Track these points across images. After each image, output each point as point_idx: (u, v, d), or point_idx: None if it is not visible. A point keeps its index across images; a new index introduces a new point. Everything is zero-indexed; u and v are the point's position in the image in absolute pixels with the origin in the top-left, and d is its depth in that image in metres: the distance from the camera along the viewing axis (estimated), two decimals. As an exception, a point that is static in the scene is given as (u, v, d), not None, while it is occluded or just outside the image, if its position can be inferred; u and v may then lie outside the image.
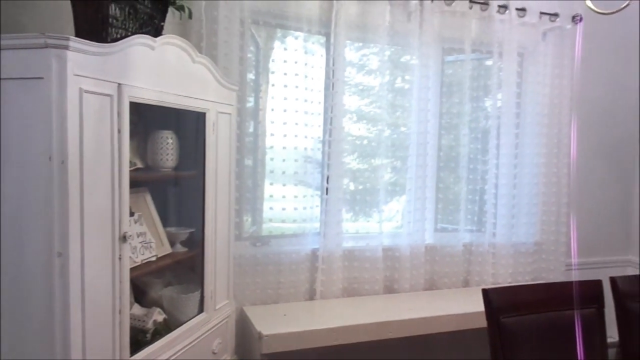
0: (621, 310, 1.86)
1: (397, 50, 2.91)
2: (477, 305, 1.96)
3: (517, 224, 3.11)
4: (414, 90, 2.85)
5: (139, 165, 1.93)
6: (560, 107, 3.10)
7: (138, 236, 1.84)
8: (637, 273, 2.03)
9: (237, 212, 2.48)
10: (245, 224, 2.61)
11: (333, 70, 2.64)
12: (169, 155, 2.01)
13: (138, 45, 1.60)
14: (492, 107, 3.03)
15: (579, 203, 3.31)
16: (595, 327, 1.77)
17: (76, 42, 1.34)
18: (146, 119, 1.93)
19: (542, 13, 2.99)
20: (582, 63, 3.23)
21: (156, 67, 1.70)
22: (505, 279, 3.03)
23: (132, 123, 1.61)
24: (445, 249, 2.98)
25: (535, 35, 3.05)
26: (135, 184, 1.80)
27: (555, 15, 3.02)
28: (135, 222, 1.85)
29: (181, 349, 1.89)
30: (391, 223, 3.03)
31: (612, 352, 1.89)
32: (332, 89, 2.64)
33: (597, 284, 1.81)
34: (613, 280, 1.89)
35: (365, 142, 2.92)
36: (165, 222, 2.09)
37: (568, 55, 3.09)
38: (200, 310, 2.07)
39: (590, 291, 1.79)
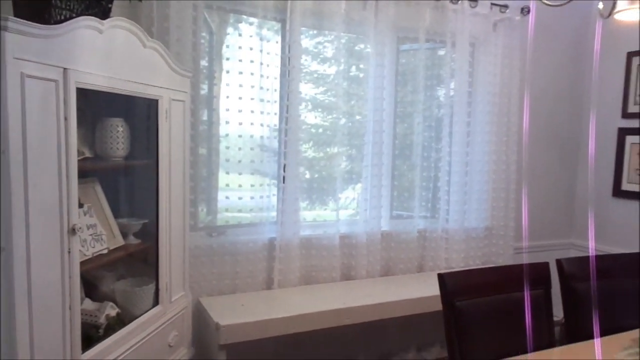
0: (566, 290, 1.96)
1: (352, 38, 2.91)
2: (431, 289, 2.02)
3: (468, 210, 3.21)
4: (369, 79, 2.87)
5: (88, 154, 1.85)
6: (510, 96, 3.21)
7: (88, 228, 1.77)
8: (580, 255, 2.14)
9: (192, 201, 2.43)
10: (200, 214, 2.56)
11: (289, 58, 2.61)
12: (120, 144, 1.93)
13: (84, 28, 1.52)
14: (445, 96, 3.09)
15: (526, 188, 3.44)
16: (542, 307, 1.85)
17: (16, 23, 1.26)
18: (95, 106, 1.85)
19: (492, 4, 3.07)
20: (530, 53, 3.34)
21: (104, 51, 1.63)
22: (457, 264, 3.12)
23: (80, 110, 1.53)
24: (400, 236, 3.03)
25: (486, 25, 3.13)
26: (84, 174, 1.73)
27: (505, 6, 3.10)
28: (85, 214, 1.78)
29: (136, 343, 1.84)
30: (347, 211, 3.05)
31: (557, 330, 1.98)
32: (288, 77, 2.62)
33: (545, 266, 1.89)
34: (559, 262, 1.98)
35: (321, 130, 2.92)
36: (116, 213, 2.01)
37: (517, 45, 3.19)
38: (155, 303, 2.02)
39: (538, 273, 1.87)
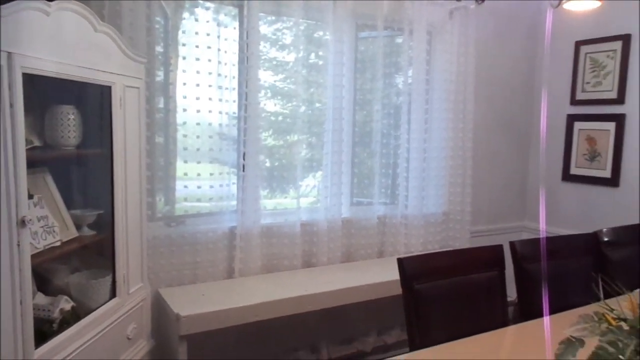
0: (519, 271, 2.04)
1: (311, 25, 2.89)
2: (391, 274, 2.06)
3: (427, 195, 3.27)
4: (328, 66, 2.87)
5: (37, 143, 1.77)
6: (465, 84, 3.28)
7: (39, 220, 1.70)
8: (532, 237, 2.22)
9: (149, 191, 2.37)
10: (158, 204, 2.51)
11: (247, 44, 2.58)
12: (71, 132, 1.86)
13: (30, 10, 1.45)
14: (404, 84, 3.13)
15: (480, 174, 3.55)
16: (497, 288, 1.92)
17: (-46, 4, 1.19)
18: (43, 93, 1.77)
19: (448, -8, 3.12)
20: (484, 41, 3.42)
21: (52, 35, 1.56)
22: (416, 248, 3.19)
23: (27, 97, 1.46)
24: (360, 222, 3.07)
25: (443, 14, 3.17)
26: (33, 164, 1.66)
27: (461, -5, 3.16)
28: (35, 205, 1.71)
29: (93, 337, 1.80)
30: (308, 199, 3.06)
31: (511, 310, 2.06)
32: (247, 64, 2.58)
33: (499, 248, 1.96)
34: (512, 244, 2.06)
35: (280, 118, 2.90)
36: (69, 205, 1.95)
37: (472, 34, 3.25)
38: (113, 295, 1.97)
39: (492, 255, 1.94)
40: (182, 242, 2.51)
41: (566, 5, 1.91)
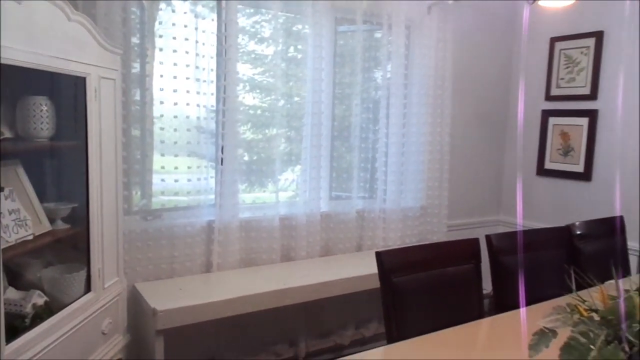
0: (495, 264, 2.07)
1: (290, 18, 2.88)
2: (369, 267, 2.07)
3: (405, 190, 3.30)
4: (307, 60, 2.86)
5: (8, 134, 1.73)
6: (443, 79, 3.30)
7: (10, 213, 1.66)
8: (508, 230, 2.27)
9: (126, 185, 2.34)
10: (134, 198, 2.47)
11: (225, 36, 2.55)
12: (44, 124, 1.82)
13: (0, -2, 1.40)
14: (382, 79, 3.14)
15: (457, 169, 3.59)
16: (473, 280, 1.95)
17: None
18: (15, 83, 1.73)
19: (427, -12, 3.14)
20: (462, 37, 3.46)
21: (24, 24, 1.52)
22: (395, 242, 3.21)
23: (-3, 87, 1.43)
24: (339, 216, 3.07)
25: (421, 8, 3.19)
26: (4, 156, 1.62)
27: (439, -10, 3.18)
28: (6, 198, 1.67)
29: (66, 332, 1.77)
30: (287, 193, 3.05)
31: (487, 302, 2.09)
32: (225, 56, 2.56)
33: (475, 241, 1.99)
34: (488, 237, 2.09)
35: (259, 112, 2.88)
36: (42, 198, 1.90)
37: (450, 29, 3.28)
38: (87, 289, 1.94)
39: (469, 249, 1.97)
40: (159, 236, 2.49)
41: (541, 3, 1.94)
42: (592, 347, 1.08)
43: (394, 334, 1.71)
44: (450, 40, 3.29)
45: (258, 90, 2.89)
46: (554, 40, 3.48)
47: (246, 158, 2.83)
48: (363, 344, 3.05)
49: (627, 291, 1.17)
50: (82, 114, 1.86)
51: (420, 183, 3.32)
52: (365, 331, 3.12)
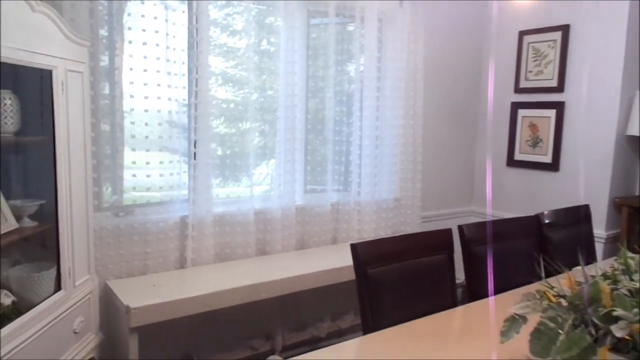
0: (467, 254, 2.11)
1: (262, 10, 2.85)
2: (345, 260, 2.08)
3: (379, 182, 3.32)
4: (280, 53, 2.84)
5: (-30, 130, 1.67)
6: (415, 72, 3.33)
7: (-26, 212, 1.61)
8: (479, 221, 2.31)
9: (95, 180, 2.29)
10: (105, 194, 2.42)
11: (197, 29, 2.51)
12: (8, 119, 1.76)
13: (-42, -13, 1.35)
14: (355, 72, 3.15)
15: (430, 161, 3.64)
16: (446, 270, 1.98)
17: None
18: (-25, 76, 1.66)
19: (398, -20, 3.15)
20: (433, 31, 3.49)
21: (-16, 14, 1.46)
22: (369, 234, 3.24)
23: (-43, 80, 1.37)
24: (314, 209, 3.08)
25: (393, 2, 3.20)
26: (-34, 152, 1.56)
27: (411, -16, 3.20)
28: (-31, 196, 1.61)
29: (36, 332, 1.73)
30: (261, 187, 3.04)
31: (460, 292, 2.14)
32: (197, 49, 2.52)
33: (448, 232, 2.02)
34: (460, 228, 2.12)
35: (232, 105, 2.85)
36: (8, 195, 1.84)
37: (422, 23, 3.31)
38: (57, 288, 1.89)
39: (442, 239, 2.00)
40: (131, 233, 2.44)
41: (511, -4, 1.97)
42: (560, 331, 1.12)
43: (369, 325, 1.72)
44: (422, 34, 3.32)
45: (231, 84, 2.86)
46: (522, 34, 3.55)
47: (219, 152, 2.81)
48: (340, 335, 3.07)
49: (592, 277, 1.21)
50: (48, 108, 1.81)
51: (393, 175, 3.34)
52: (342, 323, 3.14)
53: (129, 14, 2.38)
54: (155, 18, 2.41)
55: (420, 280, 1.90)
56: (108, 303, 2.34)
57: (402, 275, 1.85)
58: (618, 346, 1.06)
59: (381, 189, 3.34)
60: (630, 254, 1.37)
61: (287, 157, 2.89)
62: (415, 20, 3.28)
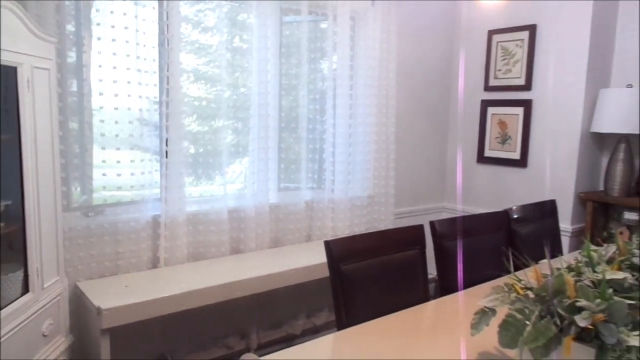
0: (439, 249, 2.15)
1: (234, 7, 2.84)
2: (319, 257, 2.10)
3: (352, 179, 3.35)
4: (253, 50, 2.83)
5: None
6: (388, 70, 3.36)
7: (-64, 213, 1.56)
8: (451, 216, 2.35)
9: (64, 180, 2.24)
10: (74, 193, 2.37)
11: (167, 25, 2.48)
12: (-29, 117, 1.71)
13: None
14: (329, 70, 3.16)
15: (403, 158, 3.68)
16: (418, 265, 2.01)
17: None
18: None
19: (370, -21, 3.17)
20: (405, 29, 3.53)
21: (-55, 9, 1.41)
22: (343, 231, 3.26)
23: None
24: (288, 207, 3.08)
25: (366, 1, 3.22)
26: None
27: (382, -18, 3.22)
28: None
29: (3, 336, 1.68)
30: (235, 185, 3.02)
31: (433, 287, 2.17)
32: (167, 46, 2.49)
33: (420, 228, 2.05)
34: (432, 224, 2.16)
35: (204, 103, 2.83)
36: (-29, 196, 1.79)
37: (394, 21, 3.34)
38: (25, 290, 1.85)
39: (414, 235, 2.03)
40: (101, 233, 2.40)
41: (479, -3, 2.01)
42: (527, 322, 1.15)
43: (343, 321, 1.74)
44: (394, 32, 3.35)
45: (203, 81, 2.84)
46: (491, 33, 3.62)
47: (192, 150, 2.78)
48: (315, 332, 3.09)
49: (558, 269, 1.25)
50: (14, 106, 1.76)
51: (367, 172, 3.37)
52: (317, 320, 3.16)
53: (97, 10, 2.34)
54: (124, 14, 2.37)
55: (393, 276, 1.92)
56: (78, 305, 2.29)
57: (375, 271, 1.88)
58: (582, 335, 1.10)
59: (355, 186, 3.36)
60: (593, 247, 1.42)
61: (260, 155, 2.89)
62: (387, 19, 3.31)
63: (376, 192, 3.44)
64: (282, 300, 2.94)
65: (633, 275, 1.32)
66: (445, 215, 3.89)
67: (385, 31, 3.31)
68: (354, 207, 3.36)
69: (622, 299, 1.11)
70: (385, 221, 3.49)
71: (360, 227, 3.39)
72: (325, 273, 1.80)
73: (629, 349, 1.05)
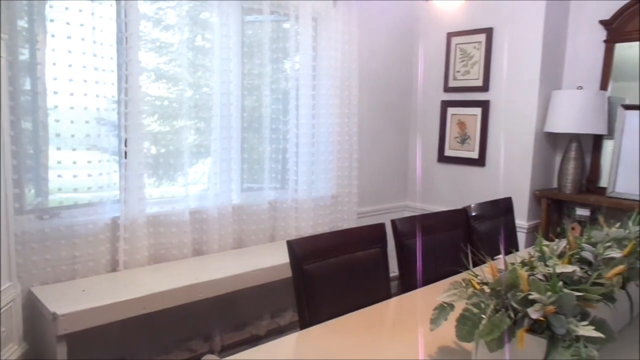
0: (400, 247, 2.18)
1: (195, 6, 2.80)
2: (282, 257, 2.10)
3: (316, 179, 3.36)
4: (215, 50, 2.80)
5: None
6: (350, 70, 3.40)
7: None
8: (413, 215, 2.40)
9: (17, 182, 2.16)
10: (27, 196, 2.29)
11: (126, 23, 2.43)
12: None
13: None
14: (291, 70, 3.16)
15: (366, 158, 3.72)
16: (380, 263, 2.04)
17: None
18: None
19: (332, -20, 3.20)
20: (367, 30, 3.57)
21: None
22: (307, 231, 3.27)
23: None
24: (251, 208, 3.07)
25: (327, 1, 3.25)
26: None
27: (344, -16, 3.25)
28: None
29: (-48, 346, 1.61)
30: (197, 186, 2.98)
31: (395, 284, 2.20)
32: (126, 44, 2.44)
33: (381, 226, 2.08)
34: (393, 222, 2.19)
35: (166, 102, 2.78)
36: None
37: (355, 22, 3.37)
38: (-25, 297, 1.77)
39: (376, 233, 2.05)
40: (57, 236, 2.33)
41: (435, 1, 2.06)
42: (483, 316, 1.19)
43: (306, 320, 1.74)
44: (356, 33, 3.39)
45: (164, 80, 2.79)
46: (450, 36, 3.70)
47: (153, 151, 2.73)
48: (279, 332, 3.08)
49: (512, 264, 1.30)
50: (-39, 105, 1.69)
51: (330, 172, 3.39)
52: (281, 320, 3.16)
53: (51, 6, 2.26)
54: (80, 11, 2.30)
55: (355, 275, 1.94)
56: (33, 311, 2.21)
57: (338, 270, 1.89)
58: (534, 327, 1.14)
59: (318, 186, 3.38)
60: (545, 242, 1.48)
61: (223, 155, 2.86)
62: (349, 20, 3.34)
63: (339, 191, 3.47)
64: (245, 301, 2.92)
65: (582, 269, 1.39)
66: (407, 214, 3.95)
67: (347, 32, 3.34)
68: (318, 207, 3.37)
69: (571, 291, 1.16)
70: (349, 220, 3.52)
71: (323, 227, 3.41)
72: (289, 273, 1.80)
73: (578, 338, 1.10)
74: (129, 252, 2.54)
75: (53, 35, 2.26)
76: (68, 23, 2.28)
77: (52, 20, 2.25)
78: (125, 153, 2.50)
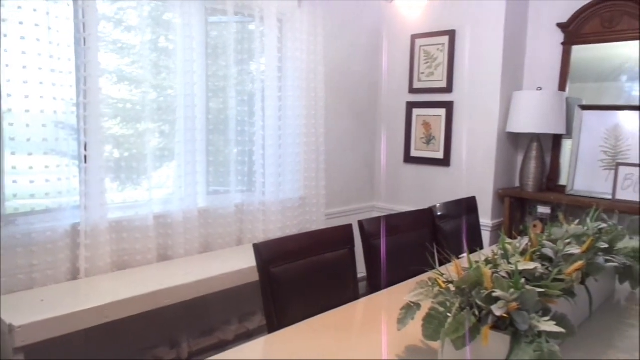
0: (367, 248, 2.19)
1: (158, 6, 2.74)
2: (250, 260, 2.07)
3: (283, 181, 3.34)
4: (178, 51, 2.75)
5: None
6: (316, 72, 3.39)
7: None
8: (380, 215, 2.41)
9: (-32, 189, 2.06)
10: (-20, 203, 2.19)
11: (84, 23, 2.36)
12: None
13: None
14: (257, 71, 3.13)
15: (333, 159, 3.73)
16: (348, 265, 2.04)
17: None
18: None
19: (296, -19, 3.19)
20: (332, 32, 3.58)
21: None
22: (275, 234, 3.24)
23: None
24: (218, 211, 3.02)
25: (292, 2, 3.24)
26: None
27: (309, -15, 3.25)
28: None
29: None
30: (162, 190, 2.92)
31: (363, 285, 2.21)
32: (84, 45, 2.36)
33: (348, 227, 2.08)
34: (360, 223, 2.20)
35: (128, 105, 2.71)
36: None
37: (320, 23, 3.37)
38: None
39: (343, 235, 2.05)
40: (13, 244, 2.23)
41: (397, 2, 2.08)
42: (448, 314, 1.20)
43: (274, 323, 1.73)
44: (321, 34, 3.39)
45: (127, 82, 2.72)
46: (414, 38, 3.75)
47: (116, 155, 2.66)
48: (248, 337, 3.05)
49: (476, 262, 1.31)
50: None
51: (298, 174, 3.38)
52: (249, 324, 3.12)
53: (2, 6, 2.17)
54: (34, 10, 2.22)
55: (323, 276, 1.94)
56: (-12, 323, 2.12)
57: (305, 272, 1.88)
58: (498, 324, 1.16)
59: (286, 188, 3.36)
60: (508, 240, 1.51)
61: (187, 158, 2.81)
62: (314, 21, 3.34)
63: (307, 193, 3.46)
64: (213, 306, 2.88)
65: (543, 265, 1.42)
66: (375, 215, 3.98)
67: (312, 33, 3.34)
68: (286, 209, 3.35)
69: (533, 288, 1.18)
70: (317, 222, 3.51)
71: (292, 229, 3.39)
72: (257, 277, 1.78)
73: (540, 334, 1.12)
74: (91, 259, 2.46)
75: (5, 36, 2.16)
76: (21, 23, 2.19)
77: (4, 20, 2.16)
78: (86, 157, 2.42)
